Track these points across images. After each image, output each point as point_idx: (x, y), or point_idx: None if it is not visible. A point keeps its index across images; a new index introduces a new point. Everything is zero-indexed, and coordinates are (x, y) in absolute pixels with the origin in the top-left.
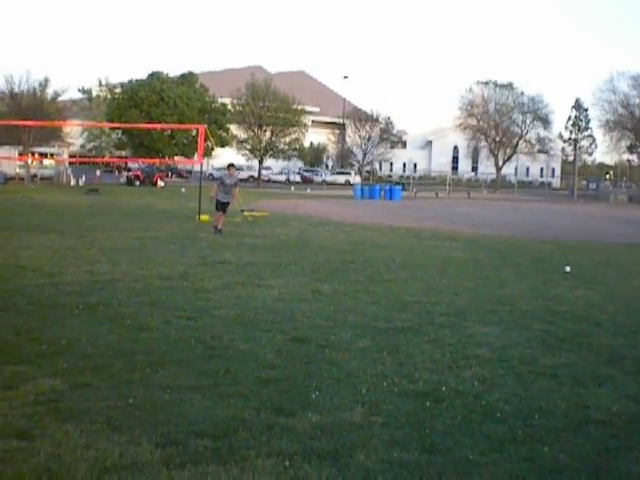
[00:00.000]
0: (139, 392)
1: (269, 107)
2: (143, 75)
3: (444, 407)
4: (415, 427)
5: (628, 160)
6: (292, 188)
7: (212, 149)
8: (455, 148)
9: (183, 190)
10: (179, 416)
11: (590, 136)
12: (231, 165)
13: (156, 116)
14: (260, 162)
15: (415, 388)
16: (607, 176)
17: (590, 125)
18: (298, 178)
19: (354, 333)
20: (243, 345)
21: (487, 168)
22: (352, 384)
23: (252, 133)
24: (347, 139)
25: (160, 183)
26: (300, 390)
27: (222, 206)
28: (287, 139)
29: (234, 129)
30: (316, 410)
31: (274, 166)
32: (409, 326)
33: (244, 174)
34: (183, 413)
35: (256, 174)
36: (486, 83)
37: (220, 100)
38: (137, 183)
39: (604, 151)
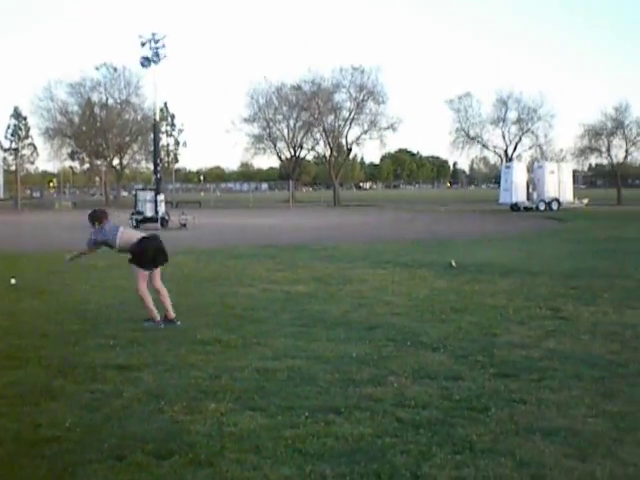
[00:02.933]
0: None
1: None
2: None
3: None
4: None
5: (71, 167)
6: None
7: None
8: None
9: None
10: None
11: (31, 144)
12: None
13: None
14: None
15: None
16: (50, 184)
17: (31, 133)
18: None
19: None
20: None
21: None
22: None
23: None
24: None
25: None
26: None
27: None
28: None
29: None
30: None
31: None
32: None
33: None
34: None
35: None
36: None
37: None
38: None
39: (46, 159)
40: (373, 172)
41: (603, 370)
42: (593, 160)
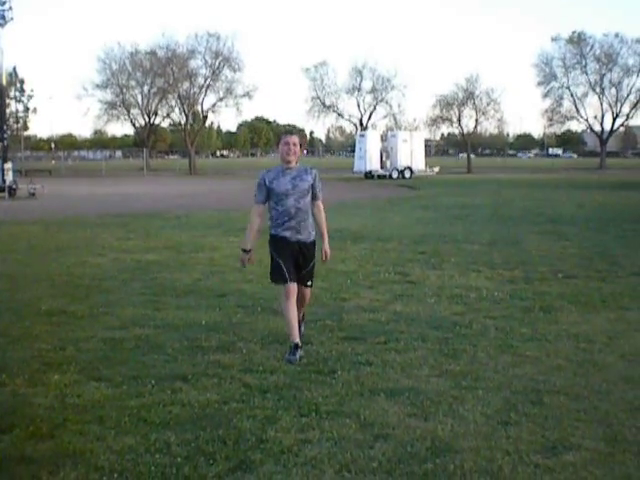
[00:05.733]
0: None
1: None
2: None
3: None
4: None
5: None
6: None
7: None
8: None
9: None
10: None
11: None
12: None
13: None
14: None
15: None
16: None
17: None
18: None
19: None
20: None
21: None
22: None
23: None
24: None
25: None
26: None
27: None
28: None
29: None
30: None
31: None
32: None
33: None
34: None
35: None
36: None
37: None
38: None
39: None
40: (230, 140)
41: (447, 331)
42: (445, 129)
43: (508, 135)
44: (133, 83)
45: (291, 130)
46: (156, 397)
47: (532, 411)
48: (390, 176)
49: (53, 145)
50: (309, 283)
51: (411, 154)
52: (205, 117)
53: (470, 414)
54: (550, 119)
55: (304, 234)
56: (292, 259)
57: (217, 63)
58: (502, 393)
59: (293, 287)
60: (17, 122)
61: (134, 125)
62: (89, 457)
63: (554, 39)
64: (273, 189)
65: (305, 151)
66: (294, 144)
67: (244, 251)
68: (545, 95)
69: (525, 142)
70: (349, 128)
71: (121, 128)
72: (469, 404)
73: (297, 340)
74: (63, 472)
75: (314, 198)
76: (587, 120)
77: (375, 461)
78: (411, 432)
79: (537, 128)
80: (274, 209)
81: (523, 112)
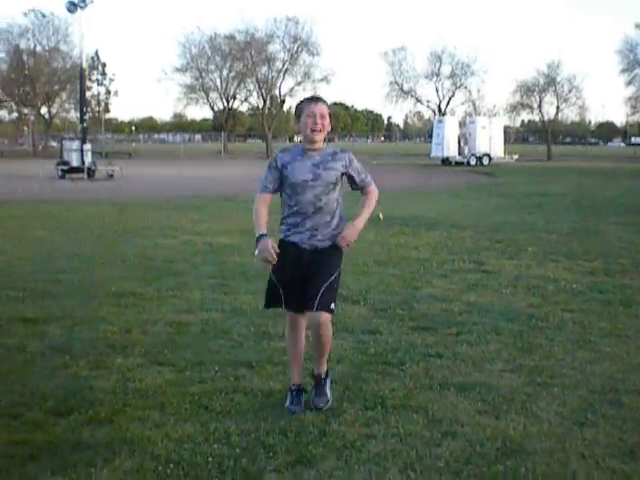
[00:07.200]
0: None
1: None
2: None
3: None
4: None
5: None
6: None
7: None
8: None
9: None
10: None
11: None
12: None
13: None
14: None
15: None
16: None
17: None
18: None
19: None
20: None
21: None
22: None
23: None
24: None
25: None
26: None
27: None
28: None
29: None
30: None
31: None
32: None
33: None
34: None
35: None
36: None
37: None
38: None
39: None
40: None
41: (522, 324)
42: (525, 116)
43: (590, 123)
44: (212, 67)
45: (316, 97)
46: (219, 384)
47: (610, 412)
48: (468, 163)
49: (133, 128)
50: (332, 306)
51: (490, 141)
52: (283, 101)
53: (544, 413)
54: (634, 107)
55: (322, 237)
56: (298, 277)
57: (295, 47)
58: (579, 391)
59: (296, 317)
60: (99, 105)
61: (213, 109)
62: (146, 445)
63: (638, 26)
64: (287, 177)
65: (382, 137)
66: (321, 115)
67: (260, 238)
68: (629, 82)
69: (607, 130)
70: (427, 114)
71: (200, 112)
72: (543, 402)
73: (298, 381)
74: (118, 460)
75: (363, 187)
76: None
77: (442, 460)
78: (481, 430)
79: (620, 116)
80: (286, 204)
81: (605, 99)
